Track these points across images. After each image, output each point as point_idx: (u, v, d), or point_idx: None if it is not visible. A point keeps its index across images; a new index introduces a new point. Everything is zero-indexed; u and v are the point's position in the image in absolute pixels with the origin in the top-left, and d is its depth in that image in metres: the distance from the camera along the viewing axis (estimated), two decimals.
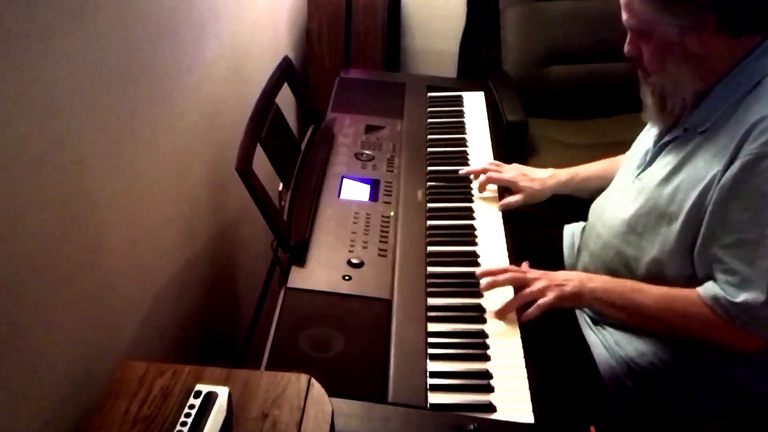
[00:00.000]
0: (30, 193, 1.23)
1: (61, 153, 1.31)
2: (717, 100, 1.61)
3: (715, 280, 1.61)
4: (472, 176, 2.21)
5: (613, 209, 1.84)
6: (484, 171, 2.17)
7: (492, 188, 2.19)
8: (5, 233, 1.17)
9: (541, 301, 1.71)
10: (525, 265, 1.88)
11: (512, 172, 2.16)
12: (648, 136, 1.85)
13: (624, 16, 1.64)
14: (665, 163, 1.71)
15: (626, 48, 1.70)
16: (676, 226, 1.64)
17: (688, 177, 1.63)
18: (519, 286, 1.77)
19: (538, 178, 2.14)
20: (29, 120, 1.21)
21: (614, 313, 1.76)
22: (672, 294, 1.67)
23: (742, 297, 1.55)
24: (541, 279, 1.75)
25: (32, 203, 1.24)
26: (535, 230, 2.09)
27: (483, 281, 1.78)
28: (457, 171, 2.26)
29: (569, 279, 1.76)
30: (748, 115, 1.54)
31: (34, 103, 1.22)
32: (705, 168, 1.59)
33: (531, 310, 1.71)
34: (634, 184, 1.79)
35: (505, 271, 1.79)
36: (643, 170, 1.78)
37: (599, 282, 1.75)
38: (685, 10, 1.53)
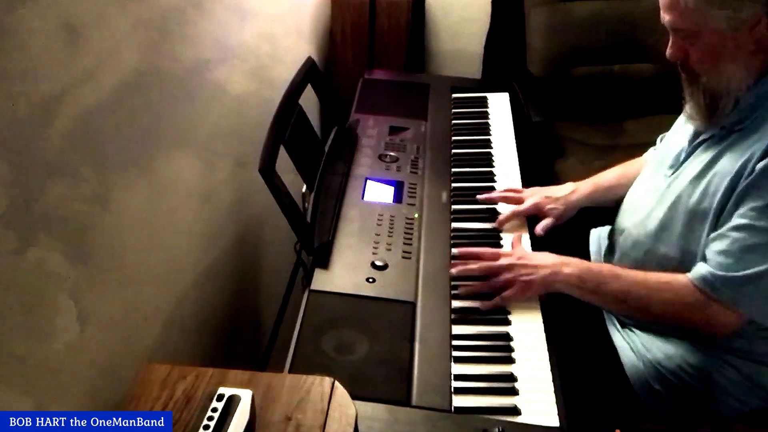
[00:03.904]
0: (50, 195, 1.23)
1: (81, 156, 1.31)
2: (756, 99, 1.60)
3: (706, 259, 1.64)
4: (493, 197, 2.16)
5: (645, 208, 1.83)
6: (505, 199, 2.11)
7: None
8: (30, 235, 1.19)
9: (504, 294, 1.75)
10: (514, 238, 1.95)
11: (534, 198, 2.09)
12: (680, 135, 1.83)
13: (668, 17, 1.61)
14: (699, 161, 1.69)
15: (669, 52, 1.67)
16: (708, 223, 1.64)
17: (719, 172, 1.62)
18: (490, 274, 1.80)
19: (560, 196, 2.09)
20: (50, 123, 1.21)
21: (591, 300, 1.77)
22: (648, 278, 1.71)
23: (730, 273, 1.58)
24: (510, 269, 1.78)
25: (52, 206, 1.24)
26: (562, 235, 2.06)
27: (461, 290, 1.79)
28: (481, 172, 2.25)
29: (541, 266, 1.77)
30: None
31: (55, 105, 1.22)
32: (736, 161, 1.59)
33: (494, 300, 1.75)
34: (667, 183, 1.78)
35: (478, 257, 1.83)
36: (676, 170, 1.77)
37: (575, 268, 1.77)
38: (740, 1, 1.52)
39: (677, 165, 1.77)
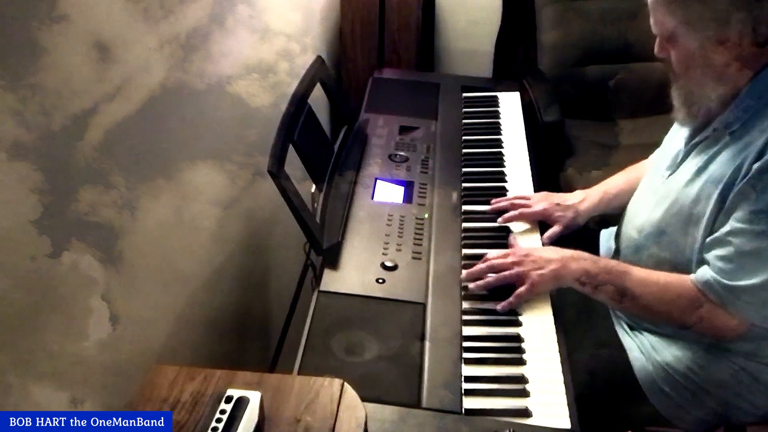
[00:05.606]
0: (82, 203, 1.28)
1: (111, 166, 1.35)
2: (746, 102, 1.58)
3: (708, 263, 1.62)
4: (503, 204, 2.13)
5: (644, 211, 1.82)
6: (513, 207, 2.07)
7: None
8: (64, 240, 1.24)
9: (517, 291, 1.73)
10: (512, 238, 1.94)
11: (542, 203, 2.07)
12: (678, 136, 1.81)
13: (651, 20, 1.64)
14: (694, 163, 1.68)
15: (656, 50, 1.68)
16: (701, 227, 1.62)
17: (711, 176, 1.61)
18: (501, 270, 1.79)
19: (570, 205, 2.08)
20: (82, 135, 1.26)
21: (596, 296, 1.75)
22: (655, 278, 1.70)
23: (734, 282, 1.56)
24: (519, 264, 1.76)
25: (84, 212, 1.28)
26: (572, 235, 2.05)
27: (470, 285, 1.78)
28: (492, 172, 2.24)
29: (550, 260, 1.76)
30: None
31: (87, 118, 1.26)
32: (729, 165, 1.57)
33: (510, 300, 1.73)
34: (664, 185, 1.77)
35: (487, 267, 1.80)
36: (673, 172, 1.76)
37: (583, 263, 1.75)
38: (705, 23, 1.52)
39: (674, 167, 1.76)
